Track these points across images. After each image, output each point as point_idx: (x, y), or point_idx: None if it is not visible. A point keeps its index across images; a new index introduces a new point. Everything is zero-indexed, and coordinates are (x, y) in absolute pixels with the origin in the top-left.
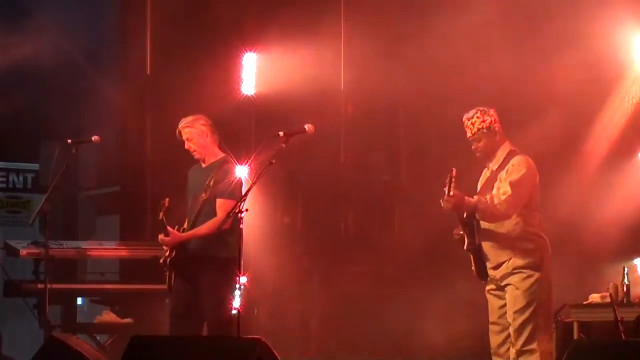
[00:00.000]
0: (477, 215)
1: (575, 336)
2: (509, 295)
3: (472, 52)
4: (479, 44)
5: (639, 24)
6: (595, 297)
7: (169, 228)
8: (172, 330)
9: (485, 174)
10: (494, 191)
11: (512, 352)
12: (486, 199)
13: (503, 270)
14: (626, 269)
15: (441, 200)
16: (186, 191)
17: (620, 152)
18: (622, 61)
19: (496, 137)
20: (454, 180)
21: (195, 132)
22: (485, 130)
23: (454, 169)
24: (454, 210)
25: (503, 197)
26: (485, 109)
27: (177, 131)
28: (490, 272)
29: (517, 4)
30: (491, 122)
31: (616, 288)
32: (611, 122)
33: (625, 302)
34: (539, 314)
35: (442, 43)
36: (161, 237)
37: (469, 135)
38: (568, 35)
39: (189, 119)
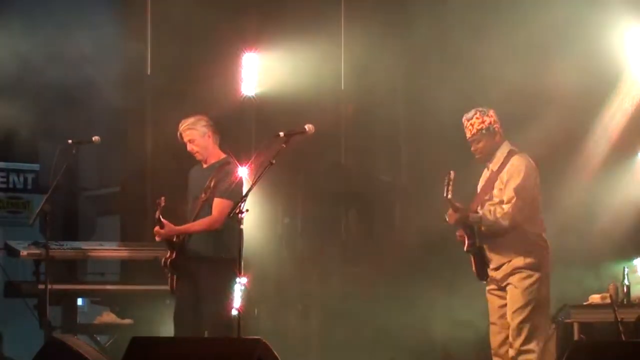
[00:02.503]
0: (482, 229)
1: (576, 336)
2: (509, 294)
3: (472, 52)
4: (478, 43)
5: (638, 24)
6: (595, 298)
7: (163, 220)
8: (176, 334)
9: (485, 174)
10: (495, 190)
11: (511, 352)
12: (489, 211)
13: (503, 270)
14: (626, 269)
15: (445, 216)
16: (187, 192)
17: (620, 152)
18: (621, 61)
19: (495, 138)
20: (451, 182)
21: (196, 133)
22: (484, 131)
23: (451, 171)
24: (456, 225)
25: (506, 207)
26: (485, 109)
27: (178, 132)
28: (491, 273)
29: (517, 4)
30: (490, 122)
31: (616, 288)
32: (611, 122)
33: (625, 302)
34: (537, 314)
35: (442, 42)
36: (156, 229)
37: (468, 136)
38: (568, 35)
39: (190, 119)
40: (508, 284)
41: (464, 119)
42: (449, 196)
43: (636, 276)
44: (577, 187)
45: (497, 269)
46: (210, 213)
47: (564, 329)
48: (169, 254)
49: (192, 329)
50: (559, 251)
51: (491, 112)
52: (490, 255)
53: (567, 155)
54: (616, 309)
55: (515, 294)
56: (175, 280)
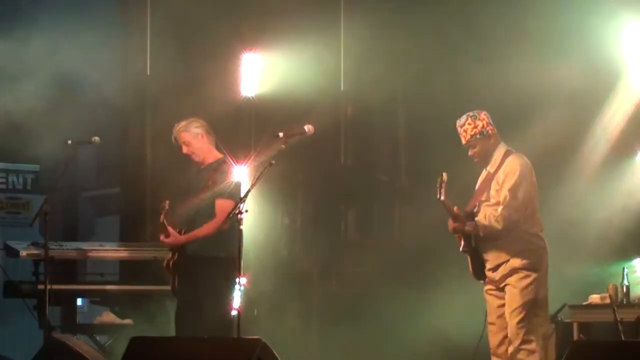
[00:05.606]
0: (480, 234)
1: (575, 336)
2: (507, 294)
3: (472, 52)
4: (478, 44)
5: (637, 24)
6: (594, 298)
7: (169, 229)
8: (177, 334)
9: (483, 175)
10: (492, 191)
11: (510, 350)
12: (485, 216)
13: (501, 271)
14: (626, 270)
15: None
16: (186, 192)
17: (620, 152)
18: (621, 61)
19: (490, 140)
20: (444, 184)
21: (189, 135)
22: (478, 136)
23: (444, 173)
24: (454, 233)
25: (500, 209)
26: (476, 113)
27: (173, 137)
28: (489, 274)
29: (517, 4)
30: (483, 126)
31: (615, 288)
32: (611, 122)
33: (624, 302)
34: (535, 313)
35: (442, 42)
36: (162, 237)
37: (463, 142)
38: (567, 35)
39: (183, 123)
40: (506, 284)
41: (457, 125)
42: (442, 198)
43: (636, 276)
44: (576, 186)
45: (494, 269)
46: (209, 212)
47: (564, 328)
48: (171, 255)
49: (192, 329)
50: (558, 251)
51: (483, 115)
52: (487, 255)
53: (566, 155)
54: (616, 309)
55: (513, 294)
56: (176, 281)
